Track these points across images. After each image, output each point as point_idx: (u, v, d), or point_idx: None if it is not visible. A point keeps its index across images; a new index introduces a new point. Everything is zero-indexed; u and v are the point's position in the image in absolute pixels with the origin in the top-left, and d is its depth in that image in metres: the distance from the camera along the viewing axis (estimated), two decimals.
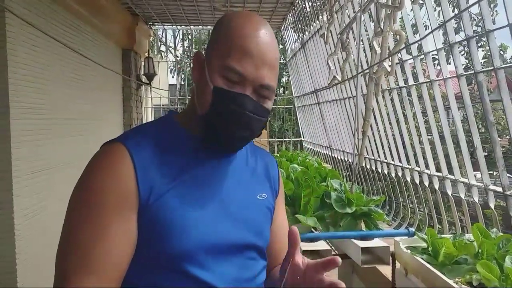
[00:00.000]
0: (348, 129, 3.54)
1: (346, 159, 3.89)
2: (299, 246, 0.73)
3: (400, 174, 2.67)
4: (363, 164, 2.52)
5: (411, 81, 2.27)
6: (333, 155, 4.30)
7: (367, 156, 2.89)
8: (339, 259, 0.69)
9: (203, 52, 0.87)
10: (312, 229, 1.75)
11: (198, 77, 0.84)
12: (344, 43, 1.87)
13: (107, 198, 0.74)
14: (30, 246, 2.50)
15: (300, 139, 6.04)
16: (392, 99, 2.50)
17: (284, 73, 9.36)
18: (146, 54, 5.03)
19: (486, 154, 1.86)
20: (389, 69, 1.49)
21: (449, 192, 2.11)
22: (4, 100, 2.27)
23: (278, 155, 3.58)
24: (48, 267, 2.64)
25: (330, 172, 2.20)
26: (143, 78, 5.03)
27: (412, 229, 1.67)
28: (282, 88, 9.07)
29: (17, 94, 2.40)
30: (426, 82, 2.06)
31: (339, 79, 2.07)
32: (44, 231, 2.70)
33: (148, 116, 6.04)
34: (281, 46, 8.97)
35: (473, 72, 1.60)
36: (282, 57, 8.66)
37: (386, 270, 1.86)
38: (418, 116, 1.99)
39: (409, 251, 1.60)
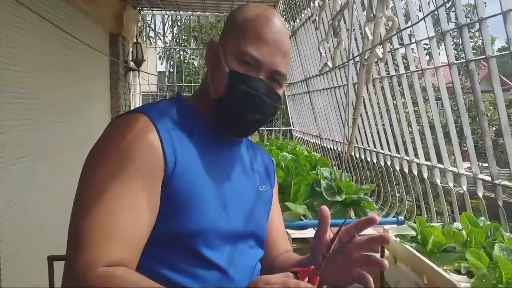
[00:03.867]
0: (338, 118, 3.53)
1: (335, 148, 3.89)
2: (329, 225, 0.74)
3: (389, 163, 2.67)
4: (352, 153, 2.51)
5: (402, 70, 2.26)
6: (322, 144, 4.30)
7: (357, 145, 2.89)
8: (389, 237, 0.69)
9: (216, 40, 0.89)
10: (302, 217, 1.74)
11: (213, 63, 0.86)
12: (336, 29, 1.85)
13: (136, 164, 0.72)
14: (14, 233, 2.45)
15: (289, 128, 6.03)
16: (382, 88, 2.49)
17: None
18: (135, 40, 4.94)
19: (474, 145, 1.87)
20: (381, 55, 1.47)
21: (438, 181, 2.11)
22: None
23: (268, 143, 3.57)
24: (33, 254, 2.61)
25: (320, 161, 2.20)
26: (131, 64, 4.95)
27: (401, 218, 1.67)
28: None
29: (1, 77, 2.32)
30: (417, 71, 2.05)
31: (330, 66, 2.05)
32: (28, 218, 2.65)
33: (136, 103, 5.95)
34: None
35: (465, 60, 1.60)
36: None
37: None
38: (408, 105, 1.98)
39: (398, 239, 1.61)
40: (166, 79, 6.31)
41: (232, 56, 0.83)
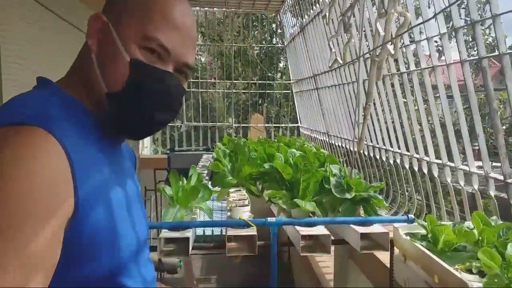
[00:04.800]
0: (347, 115, 3.51)
1: (343, 145, 3.87)
2: None
3: (398, 160, 2.65)
4: (362, 150, 2.49)
5: (412, 67, 2.24)
6: (330, 141, 4.28)
7: (366, 142, 2.87)
8: None
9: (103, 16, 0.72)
10: (311, 214, 1.73)
11: (104, 45, 0.70)
12: (346, 25, 1.83)
13: (44, 199, 0.56)
14: None
15: (297, 125, 6.01)
16: (392, 85, 2.47)
17: (281, 58, 9.28)
18: None
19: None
20: (392, 51, 1.46)
21: (449, 180, 2.09)
22: None
23: (275, 140, 3.56)
24: None
25: (328, 158, 2.19)
26: None
27: (412, 216, 1.66)
28: (280, 74, 9.00)
29: (9, 71, 2.33)
30: (428, 68, 2.03)
31: (341, 62, 2.03)
32: None
33: None
34: (279, 31, 8.87)
35: (478, 57, 1.57)
36: (280, 41, 8.56)
37: (383, 256, 1.86)
38: (418, 102, 1.96)
39: (408, 237, 1.60)
40: None
41: (132, 40, 0.68)
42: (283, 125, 6.22)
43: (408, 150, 2.47)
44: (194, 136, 6.18)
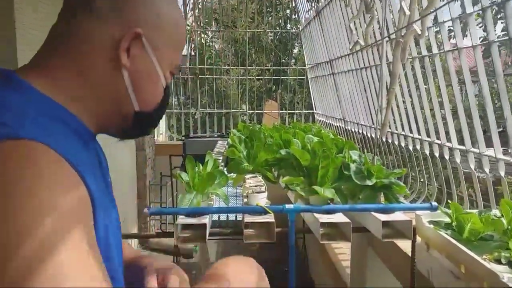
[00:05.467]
0: (364, 101, 3.43)
1: (360, 131, 3.79)
2: None
3: (418, 147, 2.58)
4: (382, 137, 2.41)
5: (435, 50, 2.15)
6: (346, 127, 4.21)
7: (396, 131, 2.80)
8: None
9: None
10: (329, 201, 1.69)
11: (138, 63, 0.70)
12: (369, 5, 1.75)
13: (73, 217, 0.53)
14: None
15: (311, 111, 5.93)
16: (413, 68, 2.39)
17: (296, 44, 9.16)
18: None
19: (501, 130, 1.78)
20: (419, 31, 1.38)
21: (472, 167, 2.02)
22: (13, 65, 2.21)
23: (290, 126, 3.51)
24: None
25: (346, 144, 2.13)
26: None
27: (435, 203, 1.60)
28: (294, 60, 8.88)
29: (25, 59, 2.33)
30: (452, 50, 1.94)
31: (362, 44, 1.95)
32: None
33: None
34: (294, 16, 8.72)
35: (508, 38, 1.49)
36: (295, 27, 8.42)
37: (404, 245, 1.81)
38: (441, 86, 1.87)
39: (432, 225, 1.55)
40: (188, 61, 6.27)
41: (166, 64, 0.74)
42: (297, 111, 6.15)
43: (428, 136, 2.39)
44: (208, 123, 6.16)
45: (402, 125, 2.78)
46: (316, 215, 1.53)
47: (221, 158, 2.79)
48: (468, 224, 1.45)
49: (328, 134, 2.46)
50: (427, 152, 2.16)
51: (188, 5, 6.64)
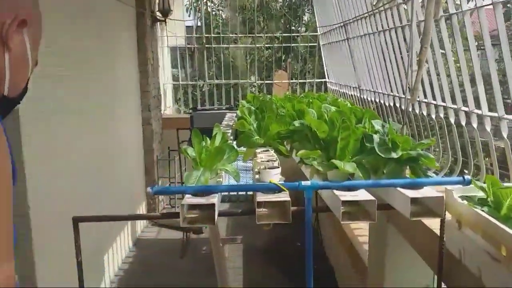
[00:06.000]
0: (382, 67, 3.22)
1: (377, 100, 3.60)
2: None
3: (442, 115, 2.39)
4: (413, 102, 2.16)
5: (465, 7, 1.92)
6: (362, 96, 4.01)
7: (403, 96, 2.60)
8: None
9: None
10: (349, 177, 1.54)
11: (17, 49, 0.83)
12: None
13: None
14: (40, 193, 2.39)
15: (324, 80, 5.71)
16: (438, 28, 2.17)
17: (306, 10, 8.80)
18: None
19: None
20: None
21: (505, 135, 1.83)
22: None
23: (303, 95, 3.32)
24: (58, 214, 2.54)
25: (367, 113, 1.95)
26: (158, 15, 4.70)
27: (468, 177, 1.44)
28: (304, 27, 8.55)
29: None
30: (487, 5, 1.72)
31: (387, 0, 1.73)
32: (54, 178, 2.58)
33: (165, 56, 5.75)
34: None
35: None
36: None
37: (431, 222, 1.67)
38: (472, 50, 1.66)
39: (465, 201, 1.39)
40: (194, 31, 6.03)
41: (34, 57, 0.89)
42: (309, 80, 5.92)
43: (454, 103, 2.20)
44: (216, 95, 5.99)
45: (424, 91, 2.59)
46: (336, 192, 1.38)
47: (230, 131, 2.64)
48: (508, 200, 1.30)
49: (345, 103, 2.28)
50: (452, 120, 1.97)
51: None
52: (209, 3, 8.13)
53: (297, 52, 6.78)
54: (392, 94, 3.23)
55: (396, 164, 1.52)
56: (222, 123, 3.13)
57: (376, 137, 1.51)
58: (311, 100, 2.25)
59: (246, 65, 7.20)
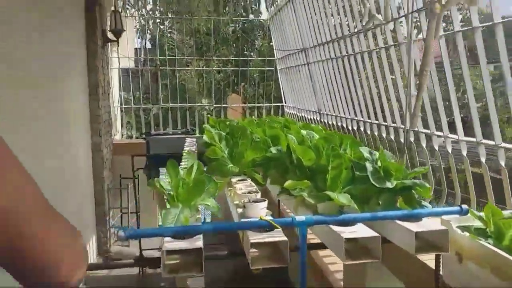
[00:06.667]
0: (346, 91, 3.21)
1: (339, 123, 3.58)
2: None
3: (424, 144, 2.37)
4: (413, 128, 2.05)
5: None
6: (323, 120, 3.99)
7: (384, 123, 2.57)
8: None
9: None
10: (340, 209, 1.42)
11: None
12: None
13: None
14: None
15: (281, 104, 5.68)
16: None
17: (258, 35, 8.87)
18: (113, 8, 4.42)
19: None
20: None
21: (502, 163, 1.79)
22: None
23: (268, 120, 3.21)
24: None
25: (346, 139, 1.87)
26: (109, 35, 4.45)
27: (465, 206, 1.37)
28: (257, 51, 8.59)
29: None
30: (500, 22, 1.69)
31: (381, 18, 1.67)
32: None
33: (115, 78, 5.45)
34: (254, 7, 8.41)
35: None
36: (256, 19, 8.13)
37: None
38: (464, 73, 1.62)
39: (466, 233, 1.32)
40: (147, 53, 5.79)
41: None
42: (266, 104, 5.86)
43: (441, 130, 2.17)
44: (167, 118, 5.76)
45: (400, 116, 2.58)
46: (335, 228, 1.25)
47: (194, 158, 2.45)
48: (511, 231, 1.24)
49: (319, 128, 2.20)
50: (436, 147, 1.94)
51: None
52: (160, 26, 7.94)
53: (251, 76, 6.76)
54: (356, 118, 3.22)
55: (389, 194, 1.43)
56: (184, 149, 2.94)
57: (369, 166, 1.41)
58: (291, 124, 2.14)
59: (198, 88, 7.04)
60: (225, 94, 7.23)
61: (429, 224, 1.29)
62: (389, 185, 1.38)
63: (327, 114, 3.85)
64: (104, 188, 4.35)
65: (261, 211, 1.36)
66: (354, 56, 2.86)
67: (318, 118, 4.09)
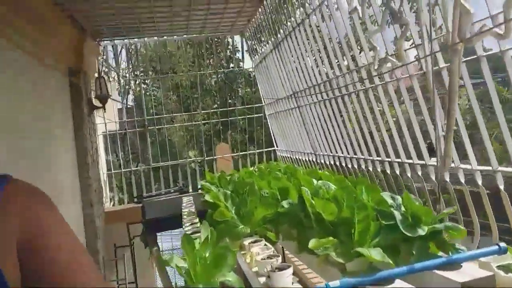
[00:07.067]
0: (342, 129, 3.18)
1: (338, 163, 3.51)
2: None
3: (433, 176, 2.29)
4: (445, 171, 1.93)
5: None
6: (319, 161, 3.92)
7: (388, 159, 2.51)
8: None
9: None
10: (371, 265, 1.31)
11: None
12: (396, 13, 1.42)
13: None
14: None
15: (273, 148, 5.62)
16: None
17: (240, 83, 8.98)
18: (97, 74, 4.41)
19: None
20: (500, 31, 1.08)
21: (501, 187, 1.73)
22: None
23: (269, 169, 3.12)
24: None
25: (359, 184, 1.77)
26: (94, 101, 4.40)
27: (504, 244, 1.28)
28: (241, 99, 8.65)
29: None
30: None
31: (395, 61, 1.60)
32: None
33: (101, 144, 5.36)
34: (237, 55, 8.54)
35: None
36: (237, 69, 8.24)
37: None
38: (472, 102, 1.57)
39: (510, 274, 1.22)
40: (134, 114, 5.73)
41: None
42: (258, 150, 5.79)
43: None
44: (155, 177, 5.62)
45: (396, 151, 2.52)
46: None
47: (196, 220, 2.32)
48: None
49: (327, 174, 2.11)
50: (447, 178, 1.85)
51: (120, 55, 6.24)
52: (143, 84, 7.97)
53: (237, 123, 6.75)
54: (356, 156, 3.16)
55: (421, 241, 1.33)
56: (183, 210, 2.80)
57: (397, 214, 1.32)
58: (302, 175, 2.04)
59: (185, 142, 6.97)
60: (213, 144, 7.17)
61: (472, 271, 1.19)
62: (421, 232, 1.29)
63: (323, 155, 3.79)
64: (99, 261, 4.11)
65: (287, 279, 1.25)
66: (348, 96, 2.84)
67: (314, 159, 4.02)
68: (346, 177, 2.04)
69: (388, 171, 2.71)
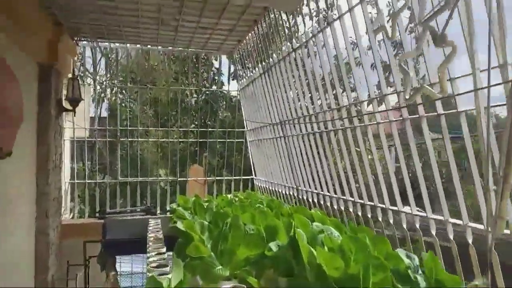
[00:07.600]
0: (331, 167, 2.96)
1: (321, 202, 3.29)
2: None
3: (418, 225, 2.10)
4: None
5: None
6: (300, 197, 3.68)
7: (382, 205, 2.29)
8: None
9: None
10: None
11: None
12: (438, 36, 1.21)
13: None
14: None
15: (250, 177, 5.36)
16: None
17: (221, 105, 8.74)
18: (71, 75, 4.07)
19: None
20: None
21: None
22: None
23: (250, 200, 2.84)
24: None
25: (360, 232, 1.53)
26: (65, 103, 4.04)
27: None
28: (220, 122, 8.39)
29: None
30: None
31: (436, 92, 1.39)
32: None
33: (67, 150, 4.95)
34: (221, 77, 8.35)
35: None
36: (219, 91, 8.03)
37: None
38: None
39: None
40: (96, 123, 5.37)
41: None
42: (235, 177, 5.51)
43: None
44: (122, 192, 5.23)
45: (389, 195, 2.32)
46: None
47: (163, 250, 2.01)
48: None
49: (319, 214, 1.86)
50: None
51: (99, 63, 5.95)
52: (119, 95, 7.62)
53: (214, 147, 6.47)
54: (343, 197, 2.95)
55: None
56: (149, 235, 2.48)
57: (421, 280, 1.08)
58: (297, 215, 1.78)
59: (157, 159, 6.62)
60: (187, 166, 6.86)
61: None
62: None
63: (306, 191, 3.56)
64: (48, 279, 3.67)
65: None
66: (343, 131, 2.65)
67: (296, 195, 3.79)
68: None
69: (380, 217, 2.51)
